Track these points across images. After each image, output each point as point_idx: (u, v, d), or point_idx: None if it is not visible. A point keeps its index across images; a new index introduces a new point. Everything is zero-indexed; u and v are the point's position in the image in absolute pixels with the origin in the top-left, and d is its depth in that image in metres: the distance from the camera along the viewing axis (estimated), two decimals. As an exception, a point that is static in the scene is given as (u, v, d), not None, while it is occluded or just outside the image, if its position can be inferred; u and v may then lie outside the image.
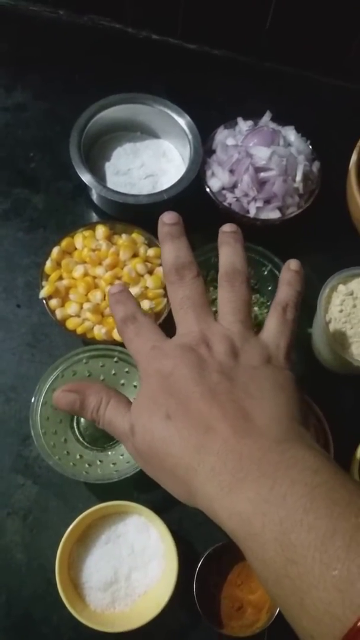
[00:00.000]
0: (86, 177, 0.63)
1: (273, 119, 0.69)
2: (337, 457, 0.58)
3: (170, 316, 0.60)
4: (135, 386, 0.60)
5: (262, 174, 0.63)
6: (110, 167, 0.68)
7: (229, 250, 0.42)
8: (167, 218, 0.40)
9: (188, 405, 0.33)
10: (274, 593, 0.29)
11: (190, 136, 0.65)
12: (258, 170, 0.63)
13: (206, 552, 0.54)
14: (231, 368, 0.34)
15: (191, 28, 0.77)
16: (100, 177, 0.67)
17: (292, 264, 0.44)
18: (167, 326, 0.60)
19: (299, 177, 0.63)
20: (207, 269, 0.65)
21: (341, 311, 0.59)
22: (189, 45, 0.79)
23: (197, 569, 0.53)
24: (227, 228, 0.43)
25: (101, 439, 0.60)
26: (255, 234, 0.65)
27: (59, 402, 0.38)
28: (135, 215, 0.66)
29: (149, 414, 0.33)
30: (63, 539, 0.52)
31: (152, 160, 0.68)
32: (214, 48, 0.78)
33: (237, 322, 0.37)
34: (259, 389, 0.34)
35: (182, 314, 0.37)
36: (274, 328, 0.39)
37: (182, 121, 0.65)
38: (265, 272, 0.64)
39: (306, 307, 0.62)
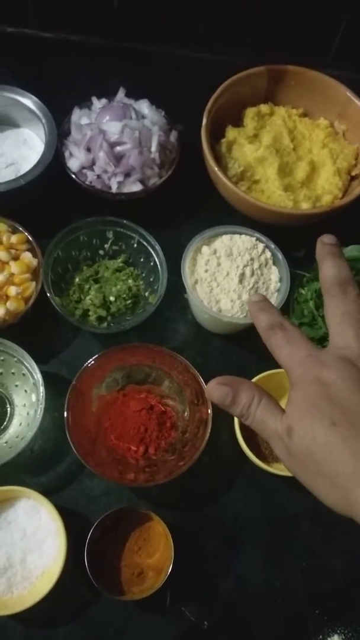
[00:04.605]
0: None
1: (130, 95, 0.70)
2: (222, 414, 0.59)
3: (38, 300, 0.61)
4: (13, 373, 0.60)
5: (117, 148, 0.64)
6: (-30, 161, 0.67)
7: None
8: (327, 239, 0.42)
9: (353, 415, 0.33)
10: None
11: (43, 120, 0.65)
12: (113, 145, 0.64)
13: (95, 522, 0.55)
14: None
15: (44, 17, 0.77)
16: None
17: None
18: (36, 310, 0.61)
19: (154, 148, 0.64)
20: (77, 249, 0.65)
21: (207, 271, 0.60)
22: (44, 34, 0.79)
23: (87, 541, 0.54)
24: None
25: (-13, 429, 0.60)
26: (121, 208, 0.67)
27: (212, 394, 0.38)
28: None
29: (311, 419, 0.34)
30: None
31: (12, 149, 0.68)
32: (70, 34, 0.79)
33: None
34: None
35: (342, 328, 0.38)
36: None
37: (33, 105, 0.66)
38: (135, 245, 0.65)
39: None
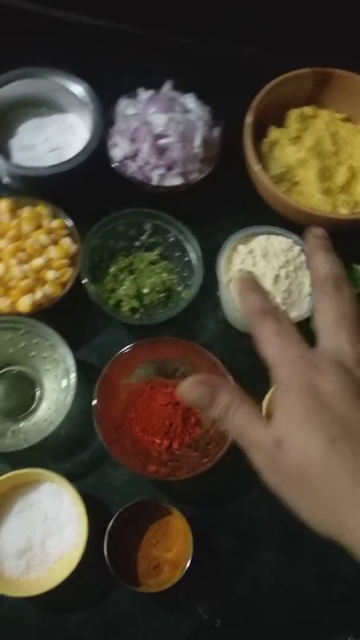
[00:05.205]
0: (-14, 153, 0.63)
1: (177, 88, 0.69)
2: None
3: (74, 286, 0.61)
4: (45, 357, 0.60)
5: (161, 141, 0.64)
6: (15, 143, 0.68)
7: None
8: (319, 231, 0.39)
9: (352, 430, 0.31)
10: None
11: (90, 107, 0.66)
12: (157, 137, 0.64)
13: (116, 513, 0.55)
14: None
15: (95, 3, 0.77)
16: (5, 153, 0.67)
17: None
18: (71, 296, 0.61)
19: (197, 143, 0.64)
20: (114, 238, 0.65)
21: (242, 270, 0.60)
22: (94, 21, 0.79)
23: (108, 530, 0.54)
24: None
25: (15, 410, 0.60)
26: (161, 201, 0.67)
27: (188, 393, 0.34)
28: (42, 189, 0.66)
29: (306, 432, 0.31)
30: (-28, 510, 0.52)
31: (57, 134, 0.68)
32: (120, 23, 0.79)
33: None
34: None
35: (335, 330, 0.34)
36: None
37: (82, 92, 0.66)
38: (172, 239, 0.65)
39: (215, 270, 0.63)
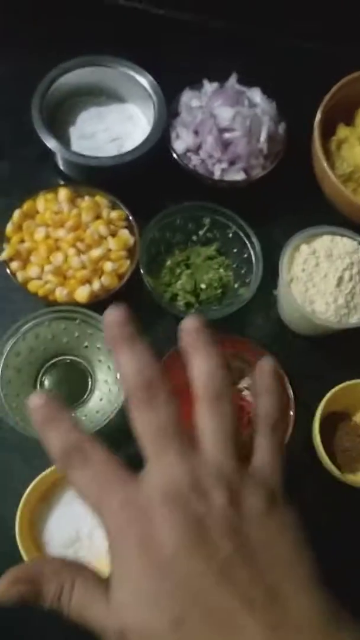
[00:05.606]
0: (49, 141, 0.62)
1: (240, 81, 0.68)
2: (299, 417, 0.58)
3: (134, 282, 0.61)
4: (99, 348, 0.59)
5: (226, 135, 0.62)
6: (75, 132, 0.67)
7: (204, 360, 0.30)
8: (113, 315, 0.30)
9: (201, 599, 0.25)
10: None
11: (154, 98, 0.65)
12: (222, 131, 0.62)
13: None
14: (238, 525, 0.26)
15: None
16: (65, 141, 0.66)
17: (266, 365, 0.33)
18: (127, 288, 0.61)
19: (263, 138, 0.63)
20: (172, 231, 0.64)
21: (303, 270, 0.59)
22: (156, 10, 0.78)
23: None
24: (189, 324, 0.31)
25: (67, 399, 0.60)
26: (221, 196, 0.65)
27: (6, 598, 0.28)
28: (101, 179, 0.65)
29: (147, 612, 0.25)
30: (23, 498, 0.52)
31: (117, 124, 0.67)
32: (182, 12, 0.77)
33: (230, 458, 0.28)
34: (278, 548, 0.27)
35: (158, 448, 0.28)
36: (267, 452, 0.30)
37: (146, 82, 0.65)
38: (230, 235, 0.64)
39: (272, 268, 0.62)
